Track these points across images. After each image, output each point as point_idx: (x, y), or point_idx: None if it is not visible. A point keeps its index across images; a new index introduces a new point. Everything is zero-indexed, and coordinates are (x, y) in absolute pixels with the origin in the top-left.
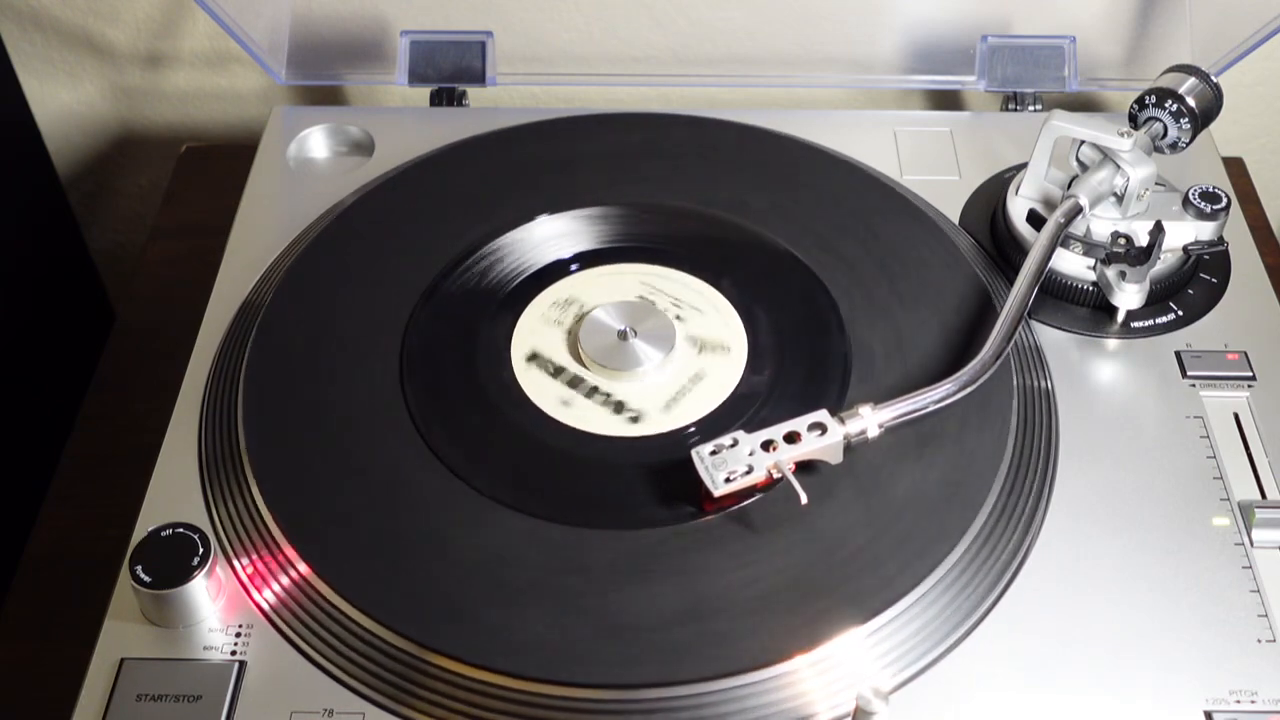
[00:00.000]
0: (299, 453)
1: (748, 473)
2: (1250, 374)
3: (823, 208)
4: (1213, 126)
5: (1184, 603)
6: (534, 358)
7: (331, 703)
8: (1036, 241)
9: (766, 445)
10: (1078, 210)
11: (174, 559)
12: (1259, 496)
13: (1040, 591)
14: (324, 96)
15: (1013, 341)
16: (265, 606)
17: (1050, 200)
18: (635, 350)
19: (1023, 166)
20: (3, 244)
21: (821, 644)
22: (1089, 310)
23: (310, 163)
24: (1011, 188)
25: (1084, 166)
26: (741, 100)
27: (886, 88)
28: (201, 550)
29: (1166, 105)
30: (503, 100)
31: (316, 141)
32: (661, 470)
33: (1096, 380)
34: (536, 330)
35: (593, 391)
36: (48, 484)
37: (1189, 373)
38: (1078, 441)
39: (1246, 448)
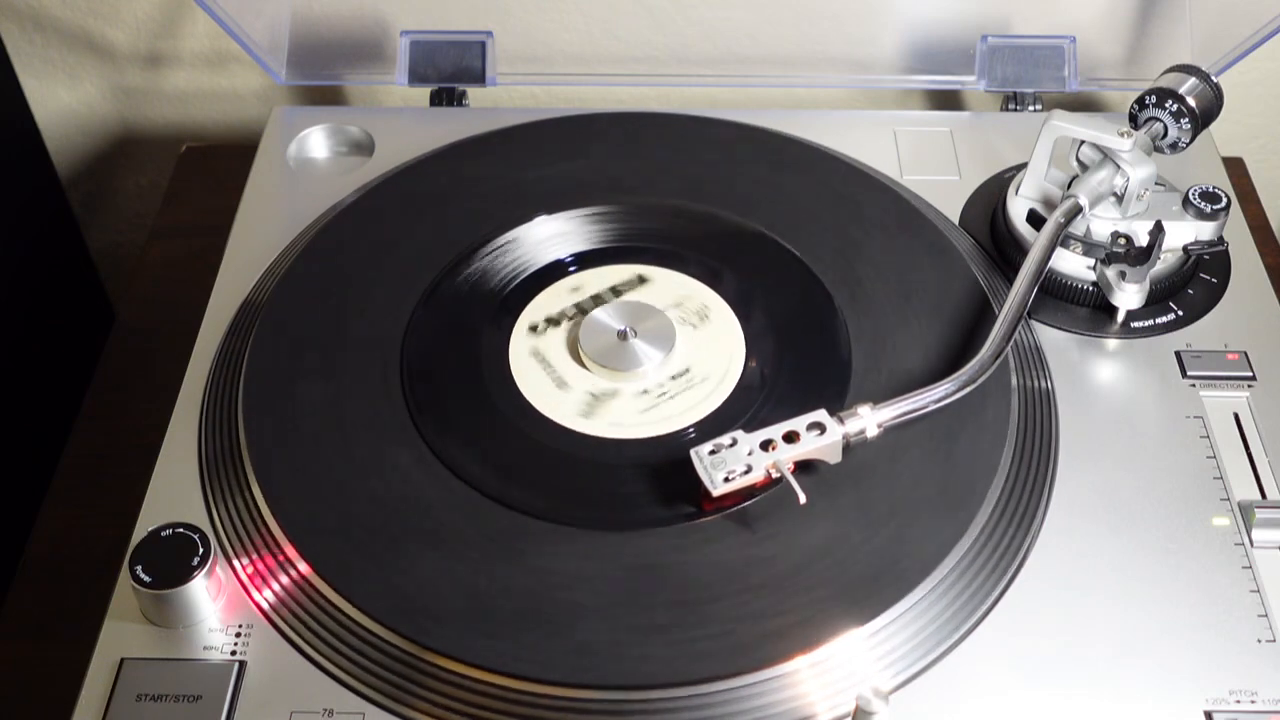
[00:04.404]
0: (299, 453)
1: (746, 472)
2: (1250, 374)
3: (823, 208)
4: (1213, 126)
5: (1184, 603)
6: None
7: (331, 703)
8: (1036, 241)
9: (765, 445)
10: (1078, 210)
11: (174, 559)
12: (1259, 496)
13: (1040, 591)
14: (324, 96)
15: (1012, 341)
16: (265, 606)
17: (1050, 200)
18: (635, 350)
19: (1023, 166)
20: (3, 244)
21: (821, 644)
22: (1089, 310)
23: (310, 163)
24: (1011, 188)
25: (1084, 166)
26: (741, 100)
27: (886, 88)
28: (201, 550)
29: (1167, 105)
30: (503, 100)
31: (316, 141)
32: (661, 470)
33: (1096, 380)
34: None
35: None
36: (48, 484)
37: (1189, 373)
38: (1078, 441)
39: (1246, 448)
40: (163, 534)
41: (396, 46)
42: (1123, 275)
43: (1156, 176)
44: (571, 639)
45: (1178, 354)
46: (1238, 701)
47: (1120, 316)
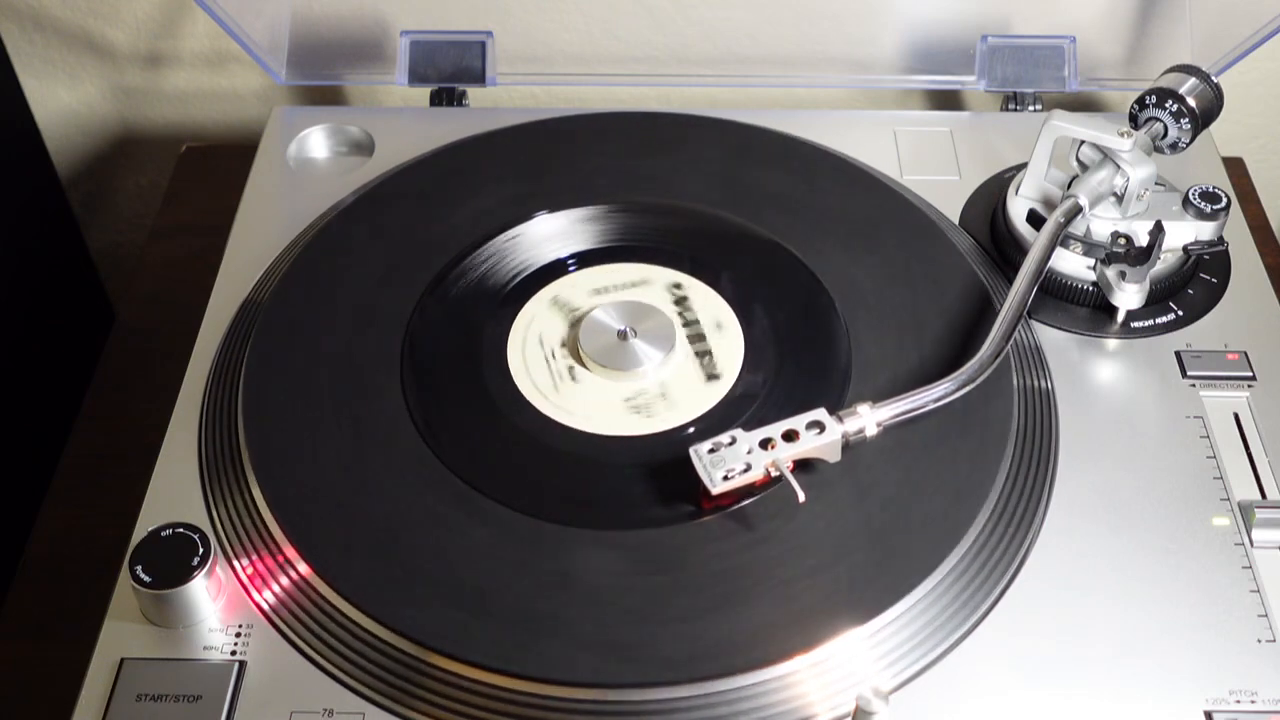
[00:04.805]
0: (299, 453)
1: (746, 471)
2: (1250, 374)
3: (823, 208)
4: (1213, 126)
5: (1184, 603)
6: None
7: (331, 703)
8: (1036, 241)
9: (765, 444)
10: (1078, 210)
11: (174, 559)
12: (1259, 496)
13: (1040, 591)
14: (324, 96)
15: (1011, 340)
16: (265, 606)
17: (1050, 200)
18: (635, 350)
19: (1023, 166)
20: (3, 244)
21: (821, 644)
22: (1089, 310)
23: (310, 163)
24: (1011, 188)
25: (1084, 166)
26: (741, 100)
27: (886, 88)
28: (201, 550)
29: (1167, 105)
30: (503, 100)
31: (316, 141)
32: (660, 469)
33: (1096, 380)
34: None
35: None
36: (48, 484)
37: (1189, 373)
38: (1078, 441)
39: (1246, 448)
40: (163, 534)
41: (396, 46)
42: (1123, 275)
43: (1156, 176)
44: (571, 639)
45: (1178, 354)
46: (1238, 701)
47: (1120, 316)
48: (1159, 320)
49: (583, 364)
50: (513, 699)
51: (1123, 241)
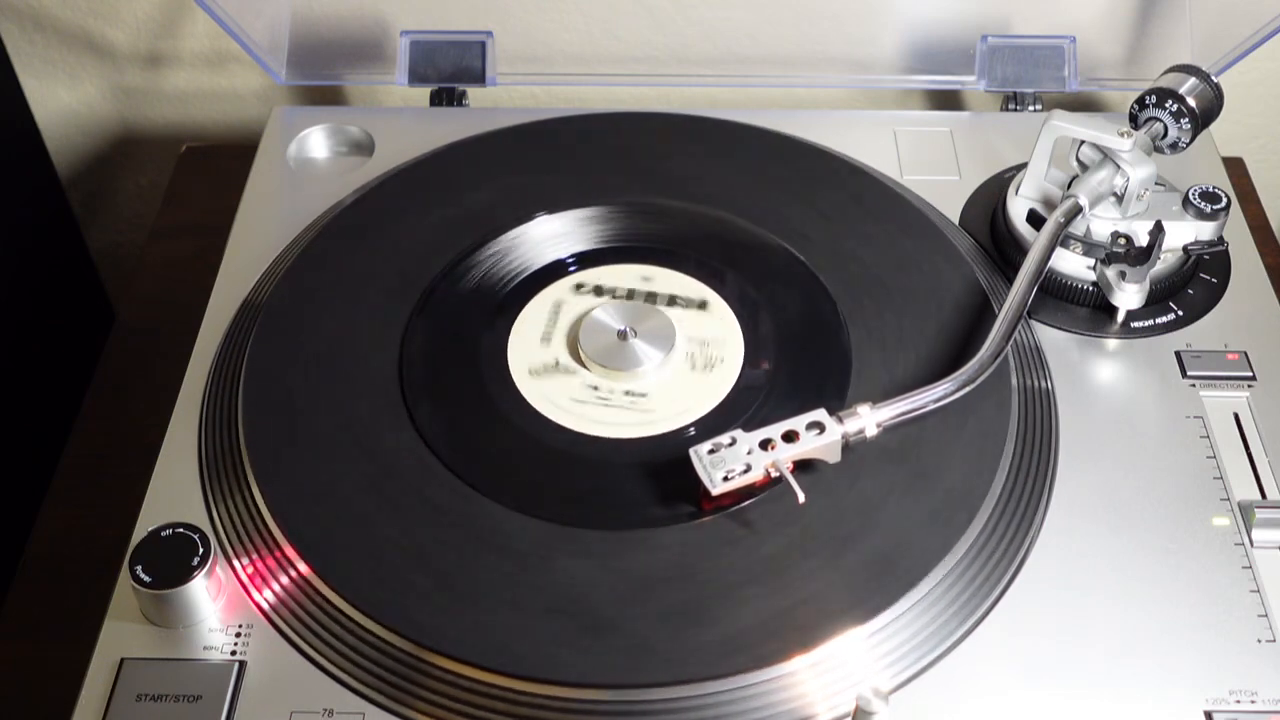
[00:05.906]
0: (299, 453)
1: (746, 471)
2: (1250, 374)
3: (822, 208)
4: (1213, 126)
5: (1184, 603)
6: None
7: (331, 703)
8: (1036, 241)
9: (765, 444)
10: (1077, 210)
11: (174, 559)
12: (1259, 496)
13: (1040, 591)
14: (324, 96)
15: (1012, 341)
16: (265, 606)
17: (1050, 200)
18: (635, 350)
19: (1023, 166)
20: (3, 244)
21: (821, 644)
22: (1089, 310)
23: (310, 163)
24: (1011, 188)
25: (1084, 166)
26: (741, 100)
27: (886, 88)
28: (201, 550)
29: (1167, 105)
30: (503, 100)
31: (316, 141)
32: (660, 469)
33: (1096, 380)
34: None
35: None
36: (48, 484)
37: (1189, 373)
38: (1078, 441)
39: (1246, 448)
40: (163, 534)
41: (396, 46)
42: (1123, 275)
43: (1156, 176)
44: (571, 639)
45: (1178, 354)
46: (1238, 701)
47: (1120, 316)
48: (1159, 320)
49: (583, 364)
50: (513, 699)
51: (1123, 241)
